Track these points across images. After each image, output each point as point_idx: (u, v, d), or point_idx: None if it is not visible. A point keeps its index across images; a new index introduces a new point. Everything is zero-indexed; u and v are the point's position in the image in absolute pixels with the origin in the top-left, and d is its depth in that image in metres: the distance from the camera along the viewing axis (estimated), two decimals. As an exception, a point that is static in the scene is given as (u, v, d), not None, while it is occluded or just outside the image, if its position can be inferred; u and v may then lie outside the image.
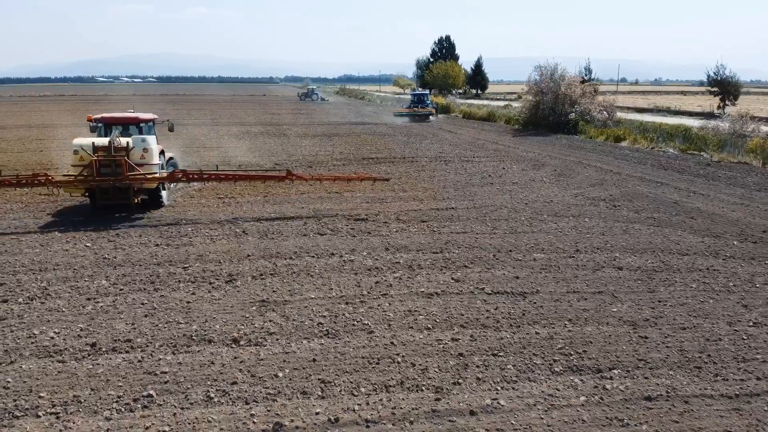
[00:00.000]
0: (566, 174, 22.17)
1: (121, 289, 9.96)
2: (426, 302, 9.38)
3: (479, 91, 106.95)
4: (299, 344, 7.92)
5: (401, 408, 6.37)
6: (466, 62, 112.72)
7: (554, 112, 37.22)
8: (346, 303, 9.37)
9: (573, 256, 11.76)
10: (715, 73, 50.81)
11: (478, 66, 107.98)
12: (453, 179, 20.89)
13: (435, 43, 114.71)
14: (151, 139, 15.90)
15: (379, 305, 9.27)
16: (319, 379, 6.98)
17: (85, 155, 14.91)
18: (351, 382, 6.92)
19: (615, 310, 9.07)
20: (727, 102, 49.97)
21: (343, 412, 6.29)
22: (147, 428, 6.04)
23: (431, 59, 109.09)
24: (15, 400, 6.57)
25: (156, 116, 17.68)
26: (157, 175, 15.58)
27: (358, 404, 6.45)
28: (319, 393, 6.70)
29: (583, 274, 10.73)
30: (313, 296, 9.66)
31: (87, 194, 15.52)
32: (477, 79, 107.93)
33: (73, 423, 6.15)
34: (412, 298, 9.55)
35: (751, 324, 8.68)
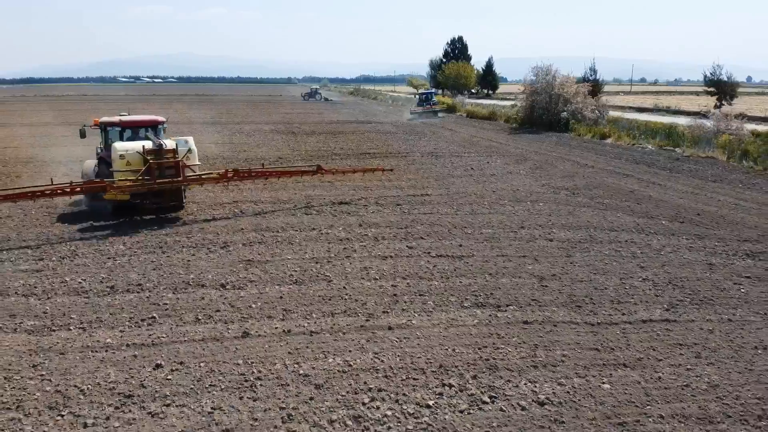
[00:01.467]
0: (543, 167, 24.11)
1: (135, 251, 12.22)
2: (380, 262, 11.51)
3: (490, 91, 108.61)
4: (272, 288, 10.10)
5: (339, 325, 8.53)
6: (486, 62, 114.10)
7: (548, 111, 39.08)
8: (316, 262, 11.53)
9: (515, 231, 13.81)
10: (711, 74, 52.30)
11: (489, 66, 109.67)
12: (437, 171, 22.94)
13: (448, 44, 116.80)
14: (192, 141, 15.78)
15: (341, 264, 11.42)
16: (282, 309, 9.16)
17: (134, 159, 14.52)
18: (306, 311, 9.09)
19: (531, 268, 11.14)
20: (723, 102, 51.33)
21: (296, 328, 8.47)
22: (150, 336, 8.26)
23: (444, 60, 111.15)
24: (51, 320, 8.82)
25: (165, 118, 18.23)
26: (213, 175, 16.28)
27: (308, 323, 8.63)
28: (281, 317, 8.88)
29: (517, 244, 12.79)
30: (289, 257, 11.83)
31: (127, 201, 14.76)
32: (488, 79, 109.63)
33: (96, 333, 8.38)
34: (370, 260, 11.68)
35: (640, 280, 10.68)
